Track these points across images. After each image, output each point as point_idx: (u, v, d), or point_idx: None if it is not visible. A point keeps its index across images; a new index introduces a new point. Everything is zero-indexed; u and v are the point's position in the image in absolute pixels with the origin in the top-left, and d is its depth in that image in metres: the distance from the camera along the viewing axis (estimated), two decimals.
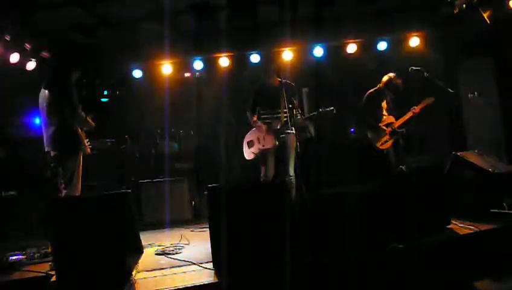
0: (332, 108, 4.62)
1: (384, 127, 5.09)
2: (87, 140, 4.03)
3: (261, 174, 4.73)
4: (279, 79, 4.59)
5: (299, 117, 4.38)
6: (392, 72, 5.19)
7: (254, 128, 4.78)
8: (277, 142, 4.57)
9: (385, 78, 5.13)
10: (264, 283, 2.61)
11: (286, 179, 4.46)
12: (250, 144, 4.77)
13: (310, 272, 2.68)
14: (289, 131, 4.60)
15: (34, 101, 4.01)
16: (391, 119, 5.14)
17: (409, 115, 5.11)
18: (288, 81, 4.71)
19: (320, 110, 4.60)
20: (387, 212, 3.15)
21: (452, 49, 6.55)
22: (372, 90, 5.20)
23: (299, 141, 4.52)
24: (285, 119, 4.58)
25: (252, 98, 4.83)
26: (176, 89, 7.22)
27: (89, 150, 4.01)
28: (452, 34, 6.28)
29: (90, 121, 4.00)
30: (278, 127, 4.58)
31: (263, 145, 4.63)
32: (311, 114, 4.62)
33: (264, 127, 4.61)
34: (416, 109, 5.07)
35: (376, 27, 6.52)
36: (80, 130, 3.93)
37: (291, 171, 4.59)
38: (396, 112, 5.21)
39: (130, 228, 2.69)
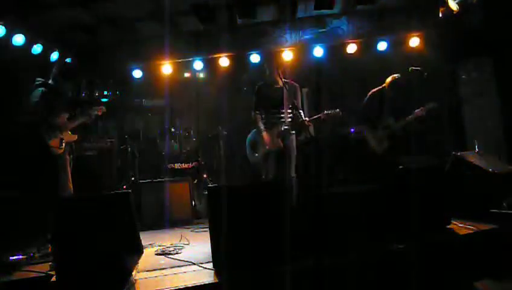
0: (338, 110, 4.59)
1: (383, 129, 5.06)
2: (62, 140, 4.02)
3: (263, 176, 4.71)
4: (282, 79, 4.59)
5: (302, 119, 4.36)
6: (393, 72, 5.16)
7: (255, 132, 4.77)
8: (281, 144, 4.56)
9: (389, 79, 5.08)
10: (264, 283, 2.60)
11: (288, 179, 4.46)
12: (254, 146, 4.76)
13: (310, 272, 2.68)
14: (292, 132, 4.62)
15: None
16: (392, 121, 5.11)
17: (411, 118, 5.05)
18: (290, 82, 4.70)
19: (326, 112, 4.58)
20: (387, 212, 3.16)
21: (452, 50, 6.55)
22: (375, 90, 5.17)
23: (299, 142, 4.52)
24: (288, 120, 4.59)
25: (255, 97, 4.80)
26: (176, 89, 7.24)
27: (58, 150, 4.00)
28: (452, 34, 6.28)
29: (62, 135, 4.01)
30: (282, 128, 4.58)
31: (267, 147, 4.61)
32: (316, 116, 4.60)
33: (267, 133, 4.60)
34: (418, 112, 5.03)
35: (376, 27, 6.52)
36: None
37: (293, 172, 4.60)
38: (397, 114, 5.18)
39: (130, 228, 2.69)
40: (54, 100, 4.08)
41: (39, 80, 4.11)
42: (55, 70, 4.20)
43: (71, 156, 4.23)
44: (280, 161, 4.64)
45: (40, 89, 4.00)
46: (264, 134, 4.62)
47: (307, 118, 4.48)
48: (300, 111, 4.60)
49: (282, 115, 4.66)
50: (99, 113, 4.43)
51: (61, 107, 4.17)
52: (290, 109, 4.60)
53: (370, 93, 5.18)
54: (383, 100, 5.14)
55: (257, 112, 4.76)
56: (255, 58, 6.76)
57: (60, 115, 4.12)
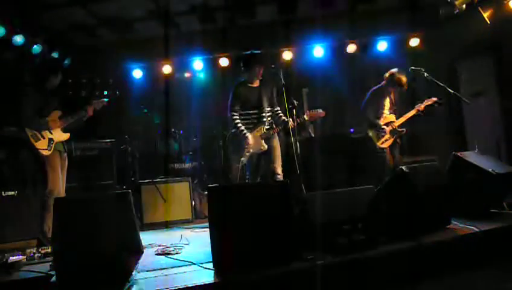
0: (320, 110, 4.61)
1: (384, 126, 5.05)
2: (50, 141, 3.99)
3: (247, 178, 4.63)
4: (260, 78, 4.56)
5: (284, 120, 4.37)
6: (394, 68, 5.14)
7: (236, 133, 4.58)
8: (265, 146, 4.51)
9: (387, 74, 5.06)
10: (264, 283, 2.60)
11: (273, 178, 4.44)
12: (236, 148, 4.58)
13: (310, 272, 2.68)
14: (274, 132, 4.57)
15: None
16: (392, 118, 5.09)
17: (411, 114, 5.02)
18: (266, 79, 4.65)
19: (309, 112, 4.60)
20: (387, 212, 3.16)
21: (452, 49, 6.55)
22: (376, 87, 5.16)
23: (299, 141, 4.48)
24: (269, 120, 4.61)
25: (232, 96, 4.61)
26: (176, 89, 7.24)
27: (45, 151, 3.95)
28: (452, 34, 6.28)
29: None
30: (264, 129, 4.54)
31: (251, 150, 4.50)
32: (301, 117, 4.58)
33: (250, 135, 4.49)
34: (421, 107, 4.97)
35: (376, 27, 6.53)
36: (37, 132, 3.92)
37: (279, 170, 4.55)
38: (399, 111, 5.14)
39: (130, 228, 2.69)
40: (43, 98, 4.04)
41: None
42: (39, 65, 4.16)
43: (64, 155, 4.18)
44: (264, 161, 4.60)
45: (30, 87, 3.99)
46: (248, 137, 4.47)
47: (290, 119, 4.44)
48: (278, 109, 4.67)
49: (262, 115, 4.61)
50: (102, 104, 4.35)
51: (51, 105, 4.12)
52: (269, 108, 4.60)
53: (371, 90, 5.16)
54: (383, 97, 5.13)
55: (234, 112, 4.57)
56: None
57: (50, 113, 4.07)
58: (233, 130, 4.64)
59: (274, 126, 4.60)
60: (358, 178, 5.96)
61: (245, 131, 4.51)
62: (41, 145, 3.92)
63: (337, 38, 6.72)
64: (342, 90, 6.98)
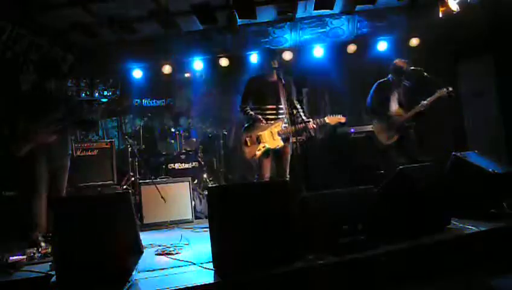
0: (341, 116, 4.50)
1: (391, 120, 4.92)
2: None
3: (257, 174, 4.55)
4: (277, 75, 4.37)
5: (304, 120, 4.27)
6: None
7: (251, 125, 4.48)
8: (281, 143, 4.36)
9: (390, 66, 4.97)
10: (264, 283, 2.60)
11: (284, 178, 4.40)
12: (250, 142, 4.45)
13: (310, 272, 2.68)
14: (289, 130, 4.38)
15: None
16: (399, 112, 4.96)
17: (417, 109, 4.83)
18: (284, 77, 4.47)
19: (330, 116, 4.50)
20: (387, 212, 3.16)
21: (451, 50, 6.55)
22: (381, 80, 5.04)
23: (299, 141, 4.45)
24: (286, 117, 4.42)
25: (246, 91, 4.52)
26: (176, 89, 7.25)
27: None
28: (452, 34, 6.28)
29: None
30: (282, 127, 4.39)
31: (265, 145, 4.37)
32: (321, 119, 4.46)
33: (266, 125, 4.36)
34: (428, 102, 4.78)
35: (376, 27, 6.52)
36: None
37: (288, 171, 4.49)
38: (406, 107, 4.98)
39: (130, 228, 2.69)
40: (39, 98, 4.01)
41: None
42: (38, 65, 4.15)
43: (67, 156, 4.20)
44: (278, 160, 4.48)
45: (27, 88, 3.99)
46: (263, 131, 4.37)
47: (310, 120, 4.38)
48: (299, 109, 4.49)
49: (280, 112, 4.45)
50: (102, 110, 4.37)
51: (49, 106, 4.03)
52: (287, 105, 4.32)
53: (377, 83, 5.07)
54: (390, 91, 5.00)
55: (245, 107, 4.45)
56: (254, 58, 6.78)
57: (48, 114, 4.02)
58: (246, 126, 4.52)
59: (292, 125, 4.30)
60: (358, 178, 5.95)
61: (262, 124, 4.33)
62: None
63: (337, 38, 6.71)
64: (342, 90, 6.99)
